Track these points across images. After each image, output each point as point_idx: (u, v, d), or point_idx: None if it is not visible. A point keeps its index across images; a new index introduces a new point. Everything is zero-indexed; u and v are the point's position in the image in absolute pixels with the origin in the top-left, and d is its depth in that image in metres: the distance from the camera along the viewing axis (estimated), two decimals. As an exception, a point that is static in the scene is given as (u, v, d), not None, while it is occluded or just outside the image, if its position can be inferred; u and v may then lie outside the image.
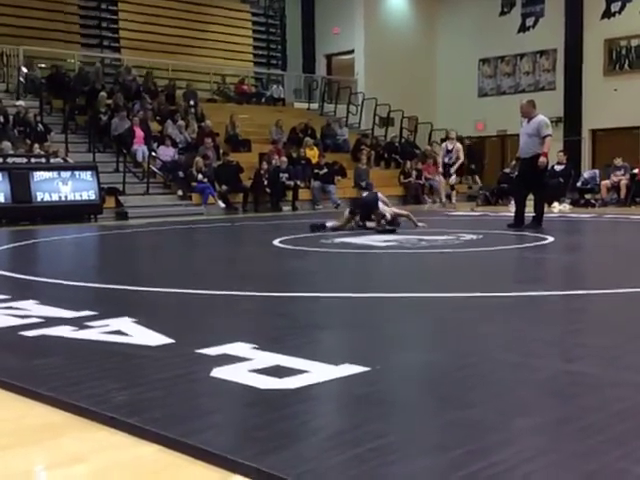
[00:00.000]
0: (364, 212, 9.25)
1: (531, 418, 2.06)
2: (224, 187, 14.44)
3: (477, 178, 18.01)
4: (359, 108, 19.89)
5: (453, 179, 15.49)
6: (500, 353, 2.85)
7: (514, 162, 9.65)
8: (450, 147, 15.17)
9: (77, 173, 12.41)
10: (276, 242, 7.72)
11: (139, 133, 14.65)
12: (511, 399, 2.26)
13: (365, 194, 9.72)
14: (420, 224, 9.26)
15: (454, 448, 1.83)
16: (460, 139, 16.14)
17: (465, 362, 2.69)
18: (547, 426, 2.01)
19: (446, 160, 15.05)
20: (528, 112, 8.90)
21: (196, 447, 1.88)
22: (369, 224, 9.18)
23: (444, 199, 15.35)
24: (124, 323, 3.40)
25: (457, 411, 2.12)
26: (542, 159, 8.64)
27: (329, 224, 9.21)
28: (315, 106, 20.21)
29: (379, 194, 9.64)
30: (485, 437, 1.91)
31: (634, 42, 18.38)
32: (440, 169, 15.20)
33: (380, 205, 9.20)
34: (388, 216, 9.02)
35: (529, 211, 9.10)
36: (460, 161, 14.90)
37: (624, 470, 1.71)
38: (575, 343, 3.05)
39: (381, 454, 1.80)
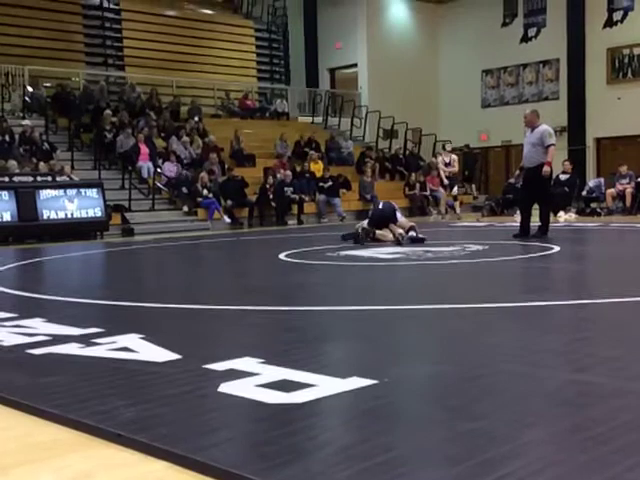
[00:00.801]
0: (381, 223, 9.06)
1: (539, 429, 2.05)
2: (229, 202, 14.48)
3: (472, 186, 18.03)
4: (363, 121, 19.96)
5: (455, 190, 15.66)
6: (508, 364, 2.84)
7: (518, 172, 9.67)
8: (447, 160, 15.45)
9: (83, 190, 12.48)
10: (282, 256, 7.72)
11: (144, 150, 14.74)
12: (519, 410, 2.25)
13: (381, 205, 9.51)
14: (420, 236, 9.22)
15: (463, 460, 1.82)
16: (454, 150, 16.36)
17: (473, 373, 2.68)
18: (555, 437, 2.00)
19: (447, 173, 15.36)
20: (532, 122, 8.92)
21: (204, 463, 1.88)
22: (378, 234, 9.06)
23: (443, 211, 15.56)
24: (131, 340, 3.40)
25: (465, 423, 2.11)
26: (546, 168, 8.64)
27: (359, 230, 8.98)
28: (319, 120, 20.30)
29: (395, 204, 9.58)
30: (493, 449, 1.90)
31: (637, 50, 18.42)
32: (444, 181, 15.45)
33: (398, 215, 9.16)
34: (407, 227, 8.96)
35: (535, 221, 9.09)
36: (454, 170, 15.29)
37: (634, 481, 1.70)
38: (582, 353, 3.03)
39: (390, 468, 1.79)
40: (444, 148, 16.50)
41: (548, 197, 9.24)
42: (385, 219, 9.10)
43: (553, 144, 8.78)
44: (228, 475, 1.81)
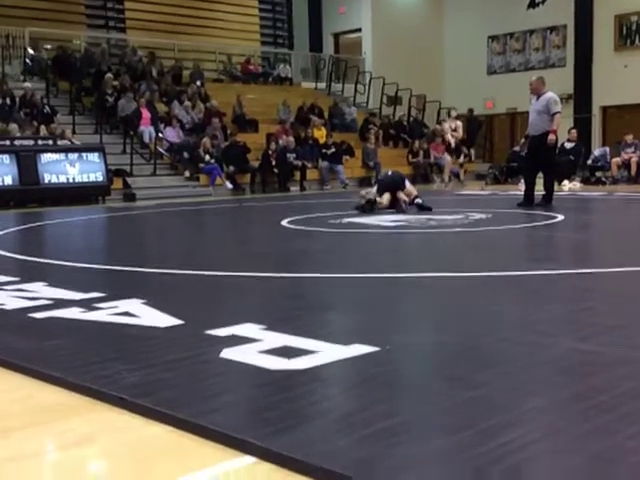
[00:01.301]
0: (390, 190, 9.01)
1: (541, 397, 2.05)
2: (231, 168, 14.41)
3: (471, 151, 17.86)
4: (367, 87, 19.74)
5: (461, 158, 15.59)
6: (510, 332, 2.84)
7: (523, 140, 9.60)
8: (453, 126, 15.33)
9: (84, 155, 12.41)
10: (284, 222, 7.70)
11: (146, 114, 14.61)
12: (521, 379, 2.25)
13: (390, 172, 9.49)
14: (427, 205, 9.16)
15: (464, 428, 1.82)
16: (458, 117, 16.23)
17: (475, 342, 2.68)
18: (557, 405, 2.00)
19: (453, 139, 15.24)
20: (537, 89, 8.82)
21: (206, 427, 1.88)
22: (379, 200, 9.01)
23: (446, 179, 15.50)
24: (133, 304, 3.41)
25: (467, 391, 2.11)
26: (551, 136, 8.56)
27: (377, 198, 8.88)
28: (322, 85, 20.08)
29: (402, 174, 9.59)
30: (495, 417, 1.90)
31: (645, 17, 18.12)
32: (451, 145, 15.36)
33: (407, 184, 9.13)
34: (414, 194, 8.95)
35: (539, 189, 9.05)
36: (458, 135, 15.23)
37: (634, 449, 1.70)
38: (585, 322, 3.03)
39: (390, 435, 1.80)
40: (449, 115, 16.35)
41: (553, 166, 9.18)
42: (394, 185, 9.06)
43: (559, 112, 8.69)
44: (230, 439, 1.81)
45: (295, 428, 1.86)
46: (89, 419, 2.07)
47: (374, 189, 9.29)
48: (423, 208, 8.68)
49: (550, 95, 8.76)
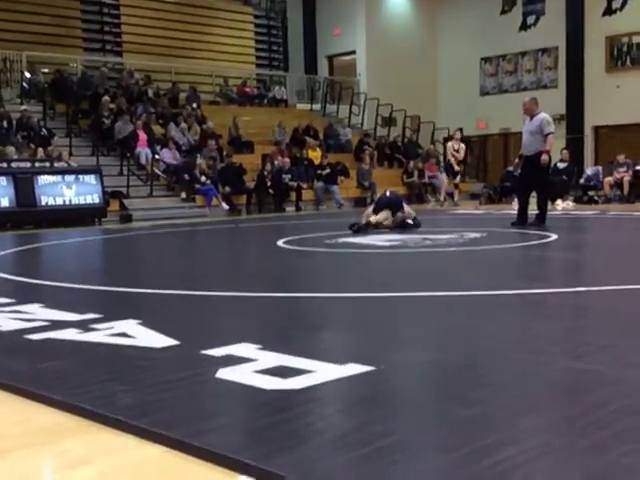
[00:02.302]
0: (389, 210, 9.16)
1: (536, 416, 2.06)
2: (227, 189, 14.46)
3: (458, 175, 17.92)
4: (361, 108, 19.90)
5: (458, 178, 15.67)
6: (505, 351, 2.85)
7: (517, 160, 9.69)
8: (456, 147, 15.43)
9: (81, 177, 12.45)
10: (280, 243, 7.72)
11: (142, 136, 14.69)
12: (516, 397, 2.26)
13: (388, 193, 9.63)
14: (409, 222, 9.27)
15: (460, 447, 1.82)
16: (463, 139, 16.28)
17: (470, 360, 2.69)
18: (552, 423, 2.01)
19: (453, 160, 15.33)
20: (531, 110, 8.93)
21: (202, 448, 1.88)
22: (374, 219, 9.12)
23: (442, 198, 15.58)
24: (129, 325, 3.41)
25: (462, 410, 2.12)
26: (544, 157, 8.65)
27: (365, 221, 9.02)
28: (317, 107, 20.23)
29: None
30: (491, 435, 1.91)
31: (636, 38, 18.35)
32: (455, 168, 15.41)
33: (404, 205, 9.26)
34: (413, 215, 9.13)
35: (532, 209, 9.11)
36: (460, 156, 15.32)
37: (629, 466, 1.71)
38: (580, 340, 3.05)
39: (387, 454, 1.80)
40: (452, 136, 16.41)
41: (546, 185, 9.25)
42: (392, 207, 9.16)
43: (552, 132, 8.79)
44: (226, 460, 1.82)
45: (292, 448, 1.87)
46: (85, 440, 2.06)
47: (370, 209, 9.38)
48: (407, 226, 8.89)
49: (543, 116, 8.85)
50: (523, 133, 9.06)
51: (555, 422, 2.02)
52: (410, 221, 9.02)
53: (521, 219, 8.97)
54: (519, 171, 9.71)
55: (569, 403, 2.20)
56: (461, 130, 17.16)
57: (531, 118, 8.90)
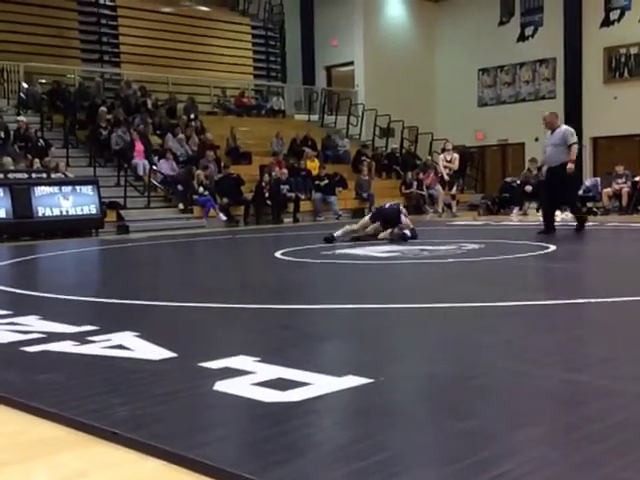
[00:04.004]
0: (386, 223, 9.25)
1: (534, 428, 2.06)
2: (225, 200, 14.46)
3: (460, 181, 17.95)
4: (359, 119, 19.94)
5: (454, 189, 15.71)
6: (502, 363, 2.85)
7: (538, 171, 10.20)
8: (449, 158, 15.52)
9: (78, 188, 12.44)
10: (278, 254, 7.71)
11: (139, 147, 14.69)
12: (514, 409, 2.25)
13: (388, 205, 9.71)
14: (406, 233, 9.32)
15: (457, 460, 1.82)
16: (457, 148, 16.35)
17: (468, 373, 2.68)
18: (550, 436, 2.00)
19: (447, 171, 15.40)
20: (552, 123, 9.31)
21: (199, 461, 1.87)
22: (381, 234, 9.18)
23: (439, 209, 15.62)
24: (126, 337, 3.40)
25: (460, 422, 2.11)
26: (570, 166, 8.99)
27: (337, 233, 9.14)
28: (315, 118, 20.27)
29: (401, 206, 9.76)
30: (489, 448, 1.90)
31: (633, 50, 18.44)
32: (445, 178, 15.52)
33: (402, 217, 9.30)
34: (411, 227, 9.20)
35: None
36: (454, 167, 15.46)
37: (628, 480, 1.70)
38: (577, 352, 3.04)
39: (385, 467, 1.79)
40: (444, 148, 16.50)
41: (574, 193, 9.62)
42: (390, 219, 9.23)
43: (576, 142, 9.14)
44: (224, 474, 1.81)
45: (290, 461, 1.86)
46: (81, 454, 2.05)
47: (367, 217, 9.47)
48: (408, 237, 8.91)
49: (565, 128, 9.25)
50: (545, 146, 9.39)
51: (553, 435, 2.01)
52: (408, 232, 9.03)
53: (548, 228, 9.19)
54: (541, 176, 10.08)
55: (567, 416, 2.20)
56: (446, 141, 17.29)
57: (552, 131, 9.20)
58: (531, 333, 3.46)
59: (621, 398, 2.33)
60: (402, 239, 8.87)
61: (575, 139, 9.12)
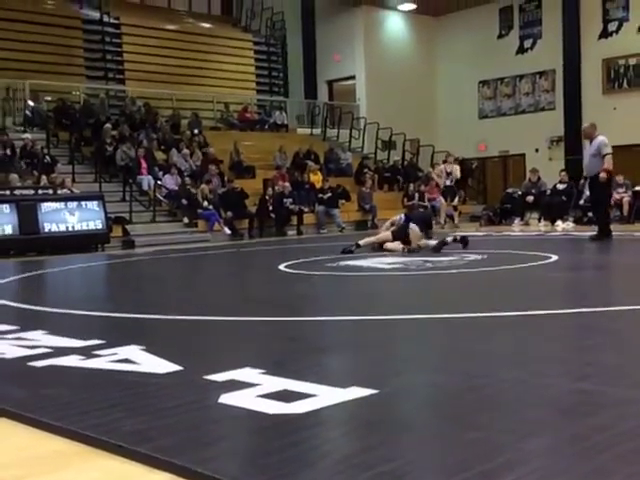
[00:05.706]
0: (426, 226, 9.56)
1: (540, 438, 2.06)
2: (229, 213, 14.51)
3: (460, 192, 17.98)
4: (361, 132, 20.02)
5: (456, 200, 15.77)
6: (508, 373, 2.85)
7: (583, 181, 10.53)
8: (449, 170, 15.61)
9: (84, 203, 12.50)
10: (282, 267, 7.73)
11: (144, 162, 14.78)
12: (520, 419, 2.26)
13: (421, 210, 9.92)
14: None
15: (464, 470, 1.82)
16: (458, 160, 16.47)
17: (473, 383, 2.69)
18: (556, 445, 2.00)
19: (447, 182, 15.49)
20: (590, 134, 9.58)
21: (206, 475, 1.88)
22: (390, 246, 9.19)
23: (442, 221, 15.67)
24: (132, 351, 3.41)
25: (466, 432, 2.12)
26: (602, 174, 9.30)
27: (361, 242, 9.25)
28: (318, 131, 20.36)
29: (429, 215, 9.98)
30: (495, 458, 1.90)
31: (632, 61, 18.50)
32: (439, 185, 15.66)
33: (410, 233, 9.37)
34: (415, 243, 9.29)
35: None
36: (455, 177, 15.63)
37: (634, 488, 1.71)
38: (583, 361, 3.05)
39: (391, 478, 1.80)
40: (445, 160, 16.63)
41: (602, 203, 9.92)
42: (426, 223, 9.49)
43: (609, 153, 9.37)
44: (230, 486, 1.81)
45: (296, 473, 1.86)
46: (88, 468, 2.06)
47: (384, 226, 9.69)
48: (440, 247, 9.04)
49: (601, 139, 9.45)
50: (584, 156, 9.72)
51: (560, 444, 2.01)
52: (449, 238, 9.17)
53: (605, 233, 9.56)
54: (587, 193, 10.52)
55: (574, 425, 2.20)
56: (447, 154, 17.44)
57: (591, 142, 9.39)
58: (536, 342, 3.46)
59: (628, 407, 2.33)
60: (461, 242, 9.01)
61: (609, 149, 9.37)
